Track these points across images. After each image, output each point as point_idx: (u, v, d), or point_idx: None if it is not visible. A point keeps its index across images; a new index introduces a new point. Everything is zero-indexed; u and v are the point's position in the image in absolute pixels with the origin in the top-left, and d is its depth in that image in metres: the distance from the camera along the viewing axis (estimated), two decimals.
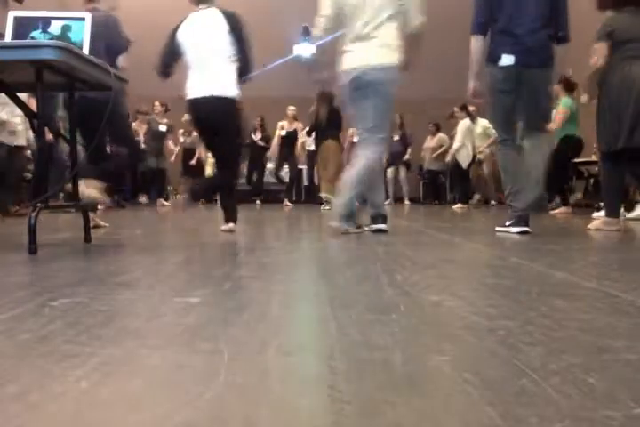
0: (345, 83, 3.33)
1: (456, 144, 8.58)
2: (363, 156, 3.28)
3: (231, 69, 3.34)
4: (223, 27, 3.32)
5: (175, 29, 3.39)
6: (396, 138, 10.12)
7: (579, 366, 0.79)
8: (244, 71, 3.40)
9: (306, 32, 11.80)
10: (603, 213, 5.27)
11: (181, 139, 9.66)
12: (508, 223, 3.39)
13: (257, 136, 9.58)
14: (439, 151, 9.92)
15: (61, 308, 1.18)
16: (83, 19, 2.59)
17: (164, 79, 3.45)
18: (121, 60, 3.54)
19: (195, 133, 9.73)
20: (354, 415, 0.62)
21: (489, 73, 3.34)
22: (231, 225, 3.43)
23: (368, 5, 3.24)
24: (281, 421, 0.61)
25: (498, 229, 3.46)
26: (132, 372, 0.77)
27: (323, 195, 7.75)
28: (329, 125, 7.62)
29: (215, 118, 3.33)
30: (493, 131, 9.23)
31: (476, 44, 3.33)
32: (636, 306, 1.23)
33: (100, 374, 0.76)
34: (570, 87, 6.48)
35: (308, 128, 8.14)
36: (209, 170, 9.64)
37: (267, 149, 9.65)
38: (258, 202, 9.69)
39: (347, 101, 3.39)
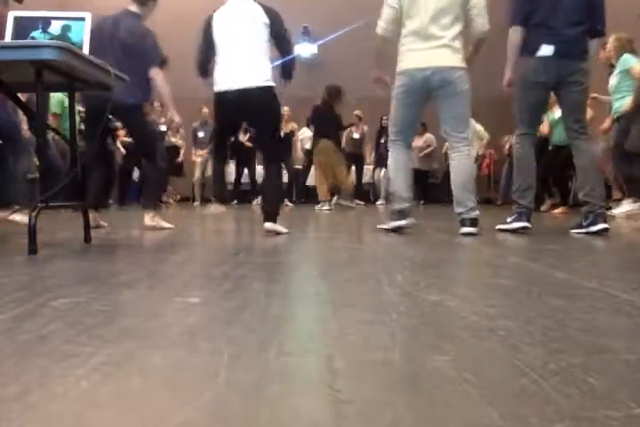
0: (407, 82, 3.30)
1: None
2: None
3: (268, 63, 3.25)
4: (263, 19, 3.23)
5: (209, 21, 3.28)
6: (383, 140, 10.14)
7: (579, 366, 0.79)
8: (286, 69, 3.35)
9: (306, 32, 11.80)
10: (623, 208, 5.33)
11: (172, 138, 9.56)
12: (509, 219, 3.41)
13: (245, 137, 9.54)
14: (427, 151, 9.93)
15: (61, 308, 1.18)
16: (83, 19, 2.59)
17: (205, 79, 3.36)
18: (150, 72, 3.58)
19: (182, 131, 9.70)
20: (354, 415, 0.62)
21: (524, 64, 3.33)
22: (269, 224, 3.28)
23: (431, 3, 3.23)
24: (281, 421, 0.61)
25: (499, 227, 3.47)
26: (132, 372, 0.77)
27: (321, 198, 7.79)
28: (328, 125, 7.56)
29: (253, 109, 3.20)
30: (486, 134, 9.21)
31: (516, 35, 3.32)
32: (635, 306, 1.23)
33: (100, 374, 0.76)
34: None
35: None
36: (197, 172, 9.62)
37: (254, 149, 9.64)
38: (255, 202, 9.68)
39: (405, 101, 3.35)
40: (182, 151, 9.76)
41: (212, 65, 3.31)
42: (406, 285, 1.49)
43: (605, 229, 3.18)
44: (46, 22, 2.54)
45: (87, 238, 2.71)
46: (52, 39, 2.44)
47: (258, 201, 9.75)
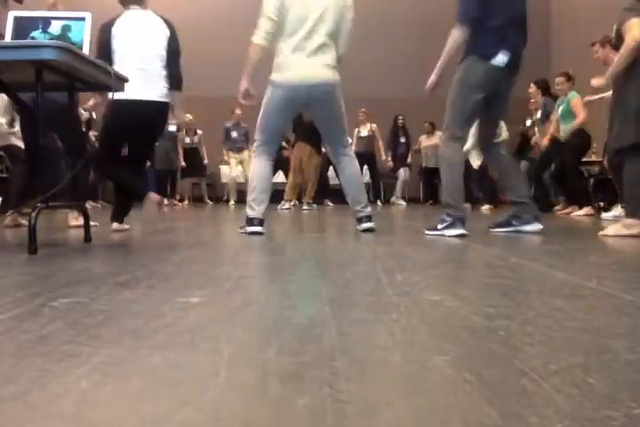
0: (288, 94, 3.26)
1: (468, 144, 8.52)
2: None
3: (165, 75, 3.36)
4: (164, 32, 3.33)
5: (108, 26, 3.30)
6: (403, 140, 10.12)
7: (579, 366, 0.79)
8: (176, 85, 3.42)
9: None
10: (613, 213, 5.30)
11: (187, 139, 9.64)
12: (440, 226, 3.24)
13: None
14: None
15: (61, 308, 1.18)
16: (83, 19, 2.59)
17: None
18: None
19: (200, 132, 9.74)
20: (354, 415, 0.62)
21: (472, 67, 3.20)
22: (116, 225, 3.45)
23: (310, 19, 3.19)
24: (281, 421, 0.61)
25: (427, 233, 3.32)
26: (132, 372, 0.77)
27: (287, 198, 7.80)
28: (304, 126, 7.34)
29: (152, 123, 3.34)
30: (505, 131, 9.20)
31: (460, 36, 3.17)
32: (636, 306, 1.23)
33: (100, 374, 0.76)
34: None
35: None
36: (236, 171, 9.63)
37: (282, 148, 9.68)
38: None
39: (275, 110, 3.31)
40: (203, 152, 9.81)
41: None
42: (406, 285, 1.49)
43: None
44: (46, 22, 2.55)
45: (87, 238, 2.71)
46: (52, 39, 2.44)
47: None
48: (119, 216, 3.54)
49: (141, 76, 3.24)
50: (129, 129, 3.35)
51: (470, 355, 0.85)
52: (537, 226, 3.35)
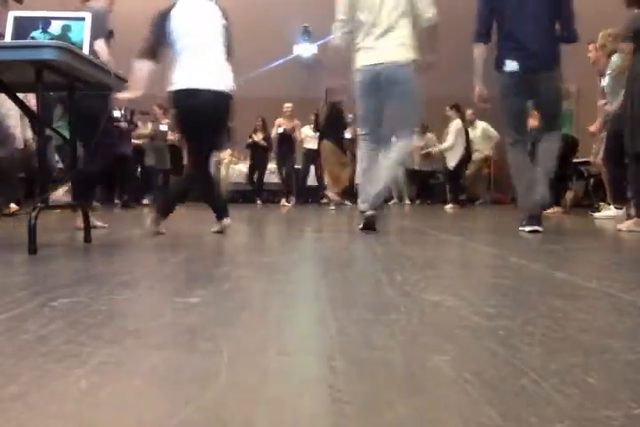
0: (362, 79, 3.39)
1: (446, 144, 8.59)
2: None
3: (227, 63, 3.22)
4: (220, 19, 3.23)
5: (164, 14, 3.18)
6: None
7: (579, 366, 0.79)
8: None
9: (306, 32, 11.80)
10: (606, 213, 5.30)
11: (171, 136, 9.49)
12: (523, 223, 3.42)
13: (259, 137, 9.58)
14: (425, 151, 9.97)
15: (61, 308, 1.18)
16: (83, 19, 2.59)
17: (149, 60, 3.14)
18: (95, 44, 3.34)
19: None
20: (354, 415, 0.62)
21: (496, 79, 3.40)
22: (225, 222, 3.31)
23: (382, 2, 3.33)
24: (281, 421, 0.61)
25: (521, 228, 3.48)
26: (132, 372, 0.77)
27: (329, 194, 7.77)
28: (327, 126, 7.57)
29: (213, 114, 3.15)
30: (494, 132, 9.14)
31: (478, 51, 3.41)
32: (636, 306, 1.23)
33: (100, 374, 0.76)
34: None
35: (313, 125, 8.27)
36: (224, 169, 9.60)
37: (268, 149, 9.66)
38: (259, 202, 9.69)
39: (361, 97, 3.45)
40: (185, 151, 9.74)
41: (159, 52, 3.18)
42: (406, 285, 1.49)
43: (536, 231, 3.31)
44: (46, 22, 2.54)
45: (87, 238, 2.71)
46: (52, 39, 2.44)
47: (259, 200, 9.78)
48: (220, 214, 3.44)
49: (200, 65, 3.15)
50: (192, 120, 3.21)
51: (470, 355, 0.85)
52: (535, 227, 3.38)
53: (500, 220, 3.54)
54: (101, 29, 3.42)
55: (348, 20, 3.43)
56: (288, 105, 9.27)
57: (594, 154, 5.92)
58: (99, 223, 3.78)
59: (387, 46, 3.34)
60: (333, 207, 7.59)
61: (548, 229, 3.63)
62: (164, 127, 8.97)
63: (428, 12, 3.34)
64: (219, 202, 3.41)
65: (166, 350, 0.88)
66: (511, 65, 3.28)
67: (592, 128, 5.81)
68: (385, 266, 1.92)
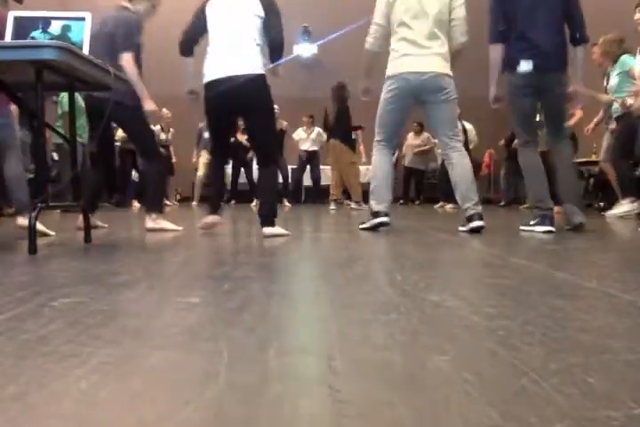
0: (401, 86, 3.45)
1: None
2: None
3: (258, 52, 3.15)
4: (253, 8, 3.13)
5: (203, 5, 3.21)
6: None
7: (579, 366, 0.79)
8: (276, 54, 3.21)
9: (306, 32, 11.80)
10: (622, 208, 5.34)
11: (162, 136, 9.31)
12: (532, 222, 3.46)
13: (243, 138, 9.55)
14: (423, 148, 9.99)
15: (61, 308, 1.18)
16: (83, 19, 2.59)
17: (187, 56, 3.25)
18: (122, 58, 3.34)
19: (172, 130, 9.65)
20: (354, 415, 0.62)
21: (508, 80, 3.42)
22: (269, 229, 3.16)
23: (426, 12, 3.41)
24: (281, 421, 0.61)
25: (522, 228, 3.53)
26: (132, 372, 0.77)
27: (332, 197, 7.75)
28: (335, 124, 7.56)
29: (245, 99, 3.09)
30: (475, 138, 9.16)
31: (494, 52, 3.43)
32: (636, 306, 1.23)
33: (99, 374, 0.76)
34: None
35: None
36: (201, 171, 9.58)
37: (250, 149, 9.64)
38: (255, 202, 9.69)
39: (390, 103, 3.51)
40: (172, 149, 9.73)
41: (195, 45, 3.23)
42: (406, 285, 1.49)
43: (550, 232, 3.35)
44: (46, 22, 2.54)
45: (87, 238, 2.71)
46: (52, 39, 2.44)
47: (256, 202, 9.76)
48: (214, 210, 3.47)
49: (223, 55, 3.13)
50: (219, 111, 3.20)
51: (470, 355, 0.85)
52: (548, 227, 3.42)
53: (500, 220, 3.54)
54: (132, 39, 3.43)
55: (384, 25, 3.49)
56: (276, 107, 9.23)
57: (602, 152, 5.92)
58: (99, 223, 3.78)
59: (426, 57, 3.42)
60: (334, 207, 7.56)
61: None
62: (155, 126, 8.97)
63: (464, 37, 3.47)
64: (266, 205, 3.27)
65: (166, 350, 0.88)
66: (526, 65, 3.30)
67: (590, 125, 5.84)
68: (385, 266, 1.92)
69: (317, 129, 9.55)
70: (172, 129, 9.66)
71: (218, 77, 3.09)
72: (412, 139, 10.25)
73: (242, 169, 9.75)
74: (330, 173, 8.13)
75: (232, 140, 9.56)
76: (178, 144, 9.87)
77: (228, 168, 9.22)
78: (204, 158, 9.52)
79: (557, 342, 0.92)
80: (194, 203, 9.63)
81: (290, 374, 0.76)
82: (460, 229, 3.52)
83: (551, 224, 3.37)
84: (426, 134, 9.98)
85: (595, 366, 0.79)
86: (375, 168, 3.64)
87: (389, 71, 3.50)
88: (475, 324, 1.05)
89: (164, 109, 8.48)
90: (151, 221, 3.56)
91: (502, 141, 8.81)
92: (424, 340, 0.94)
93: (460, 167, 3.48)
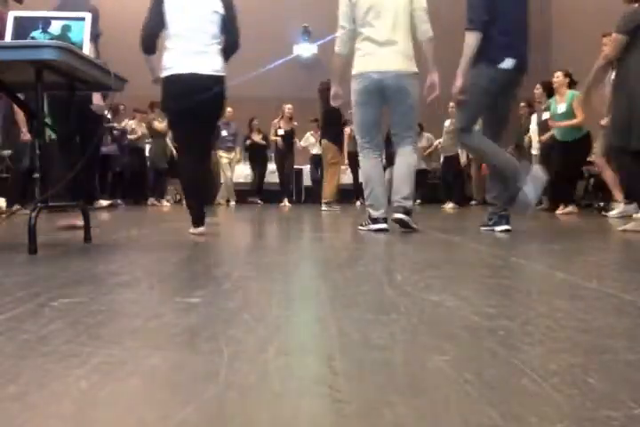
0: (364, 85, 3.40)
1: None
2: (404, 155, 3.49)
3: (219, 51, 3.15)
4: (213, 5, 3.11)
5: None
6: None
7: (579, 366, 0.79)
8: (231, 51, 3.22)
9: (306, 32, 11.80)
10: (618, 210, 5.30)
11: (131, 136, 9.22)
12: (491, 222, 3.43)
13: (257, 137, 9.60)
14: (430, 150, 9.99)
15: (61, 308, 1.18)
16: (83, 19, 2.59)
17: (150, 55, 3.18)
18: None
19: None
20: (354, 415, 0.62)
21: (482, 72, 3.30)
22: (202, 229, 3.13)
23: (388, 9, 3.37)
24: (281, 421, 0.61)
25: (482, 228, 3.50)
26: (132, 372, 0.77)
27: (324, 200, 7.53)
28: (325, 125, 7.48)
29: (205, 99, 3.06)
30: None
31: (474, 41, 3.26)
32: (636, 306, 1.23)
33: (99, 374, 0.76)
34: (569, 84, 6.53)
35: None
36: (227, 174, 9.53)
37: (267, 147, 9.67)
38: (259, 201, 9.68)
39: (360, 103, 3.46)
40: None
41: (157, 42, 3.16)
42: (406, 285, 1.49)
43: (508, 230, 3.31)
44: (46, 22, 2.54)
45: (87, 238, 2.71)
46: (52, 39, 2.44)
47: (257, 200, 9.76)
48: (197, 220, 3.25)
49: (184, 50, 3.09)
50: (180, 106, 3.12)
51: (470, 355, 0.85)
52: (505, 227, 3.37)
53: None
54: (94, 30, 3.36)
55: (350, 28, 3.47)
56: (289, 106, 9.25)
57: (596, 153, 5.90)
58: (80, 223, 3.67)
59: (389, 54, 3.38)
60: (326, 208, 7.35)
61: (548, 229, 3.63)
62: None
63: (426, 24, 3.42)
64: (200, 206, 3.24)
65: (166, 350, 0.88)
66: (509, 62, 3.25)
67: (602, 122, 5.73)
68: (385, 266, 1.92)
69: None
70: None
71: (182, 72, 3.06)
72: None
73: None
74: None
75: (247, 141, 9.67)
76: None
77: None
78: (224, 158, 9.52)
79: (557, 342, 0.92)
80: (232, 203, 9.57)
81: (290, 374, 0.76)
82: (360, 228, 3.53)
83: (508, 223, 3.34)
84: (426, 135, 9.98)
85: (595, 366, 0.79)
86: (366, 174, 3.59)
87: (354, 70, 3.48)
88: (475, 324, 1.05)
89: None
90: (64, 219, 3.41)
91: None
92: (424, 340, 0.94)
93: (401, 166, 3.48)
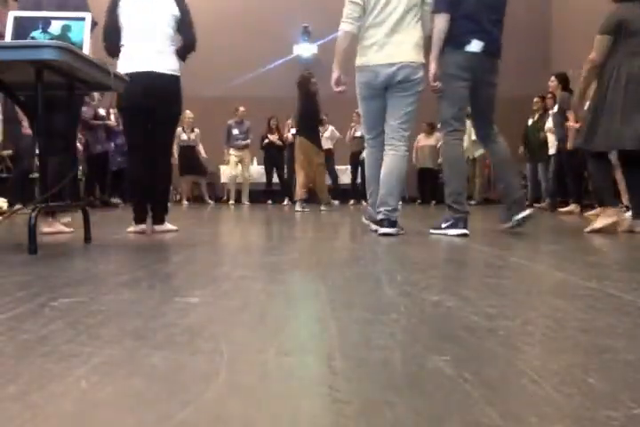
0: (370, 78, 3.21)
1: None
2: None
3: (172, 48, 3.24)
4: (169, 7, 3.22)
5: (115, 2, 3.21)
6: None
7: (579, 366, 0.79)
8: (186, 51, 3.29)
9: (306, 32, 11.79)
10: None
11: (184, 136, 9.42)
12: (444, 225, 3.21)
13: (275, 137, 9.61)
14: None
15: (61, 308, 1.18)
16: (83, 19, 2.59)
17: (115, 57, 3.25)
18: None
19: (197, 130, 9.69)
20: (354, 415, 0.62)
21: (450, 59, 3.19)
22: (168, 226, 3.33)
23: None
24: (281, 421, 0.61)
25: (433, 231, 3.28)
26: (132, 372, 0.77)
27: (296, 199, 7.11)
28: (301, 120, 6.92)
29: (159, 97, 3.14)
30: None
31: (443, 23, 3.14)
32: (636, 306, 1.23)
33: (99, 374, 0.76)
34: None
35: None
36: (236, 170, 9.51)
37: (284, 148, 9.64)
38: (286, 202, 9.61)
39: (366, 97, 3.29)
40: (200, 150, 9.73)
41: (119, 44, 3.23)
42: (406, 285, 1.49)
43: (465, 235, 3.11)
44: (46, 22, 2.54)
45: (87, 238, 2.71)
46: (52, 39, 2.44)
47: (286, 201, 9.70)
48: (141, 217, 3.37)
49: (139, 50, 3.16)
50: (136, 104, 3.17)
51: (470, 355, 0.85)
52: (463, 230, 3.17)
53: (492, 220, 3.54)
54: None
55: (361, 4, 3.20)
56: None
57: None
58: (66, 229, 3.60)
59: (397, 45, 3.16)
60: (301, 209, 6.91)
61: (549, 229, 3.63)
62: None
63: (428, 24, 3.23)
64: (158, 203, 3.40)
65: (166, 350, 0.88)
66: (477, 45, 3.14)
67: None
68: (385, 266, 1.92)
69: (331, 127, 9.63)
70: (196, 129, 9.66)
71: (138, 70, 3.12)
72: (424, 140, 10.19)
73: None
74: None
75: (265, 140, 9.66)
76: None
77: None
78: (233, 157, 9.52)
79: (557, 342, 0.92)
80: (230, 202, 9.58)
81: (290, 374, 0.76)
82: (372, 228, 3.33)
83: (465, 226, 3.14)
84: (438, 134, 9.96)
85: (595, 366, 0.79)
86: (369, 173, 3.42)
87: (359, 61, 3.25)
88: (475, 324, 1.05)
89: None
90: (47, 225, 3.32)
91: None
92: (424, 340, 0.94)
93: (392, 172, 3.20)
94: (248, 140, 9.59)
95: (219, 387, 0.71)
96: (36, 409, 0.64)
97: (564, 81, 6.85)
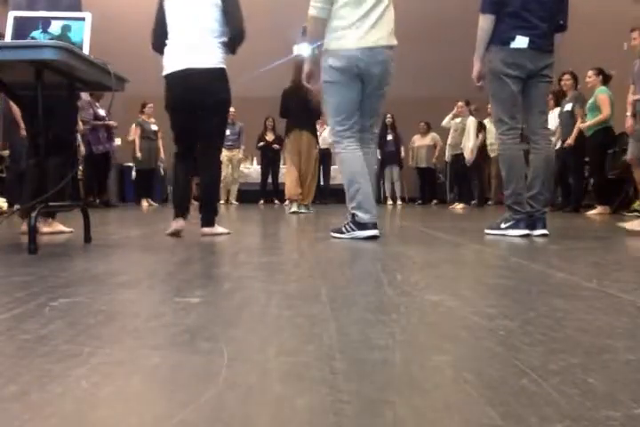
0: (346, 63, 2.93)
1: (472, 142, 8.40)
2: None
3: (217, 43, 3.07)
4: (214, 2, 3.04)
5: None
6: (390, 138, 10.10)
7: (579, 366, 0.79)
8: (234, 42, 3.11)
9: (306, 32, 11.80)
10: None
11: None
12: (504, 226, 3.16)
13: (270, 137, 9.61)
14: (438, 152, 9.94)
15: (61, 308, 1.18)
16: (83, 19, 2.59)
17: (161, 53, 3.15)
18: None
19: None
20: (354, 415, 0.62)
21: (496, 56, 3.15)
22: (218, 229, 3.15)
23: None
24: (281, 421, 0.61)
25: (489, 231, 3.23)
26: (132, 372, 0.77)
27: (289, 198, 6.54)
28: (300, 112, 6.35)
29: (200, 93, 2.99)
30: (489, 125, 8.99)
31: (487, 23, 3.11)
32: (636, 306, 1.23)
33: (100, 374, 0.76)
34: (606, 78, 6.43)
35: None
36: (225, 170, 9.43)
37: (280, 149, 9.64)
38: (277, 202, 9.61)
39: (341, 83, 2.97)
40: None
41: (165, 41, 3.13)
42: (406, 285, 1.49)
43: (545, 235, 3.10)
44: (46, 22, 2.54)
45: (87, 238, 2.71)
46: (52, 39, 2.44)
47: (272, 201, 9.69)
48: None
49: (180, 46, 3.04)
50: (182, 103, 3.05)
51: (470, 355, 0.85)
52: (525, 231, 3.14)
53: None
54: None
55: None
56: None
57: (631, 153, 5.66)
58: (66, 229, 3.59)
59: (375, 26, 2.94)
60: (293, 210, 6.32)
61: (548, 230, 3.63)
62: (154, 127, 9.01)
63: None
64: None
65: (166, 350, 0.88)
66: (521, 41, 3.09)
67: (627, 124, 5.55)
68: (385, 266, 1.92)
69: (329, 127, 9.52)
70: None
71: (176, 69, 3.02)
72: (419, 140, 10.19)
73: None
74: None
75: (260, 143, 9.63)
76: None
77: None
78: (225, 156, 9.47)
79: (557, 342, 0.92)
80: (220, 202, 9.61)
81: (290, 374, 0.76)
82: (335, 235, 2.98)
83: (526, 227, 3.08)
84: (433, 133, 9.95)
85: (595, 366, 0.79)
86: (349, 170, 2.97)
87: (333, 44, 2.96)
88: (475, 324, 1.05)
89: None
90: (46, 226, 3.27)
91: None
92: (424, 340, 0.94)
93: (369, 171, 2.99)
94: (242, 147, 9.62)
95: (219, 387, 0.71)
96: (36, 409, 0.64)
97: (575, 78, 6.71)
